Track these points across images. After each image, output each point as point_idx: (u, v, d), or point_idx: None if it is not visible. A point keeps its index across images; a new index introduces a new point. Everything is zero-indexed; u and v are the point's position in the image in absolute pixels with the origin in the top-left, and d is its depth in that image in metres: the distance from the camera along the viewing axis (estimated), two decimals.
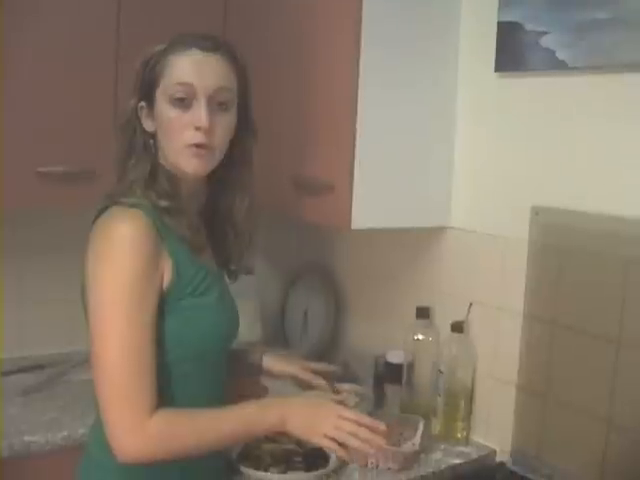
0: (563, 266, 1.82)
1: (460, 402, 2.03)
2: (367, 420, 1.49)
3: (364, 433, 1.47)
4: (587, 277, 1.77)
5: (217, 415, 1.49)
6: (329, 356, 2.49)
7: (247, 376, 1.85)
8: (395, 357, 2.16)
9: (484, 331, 2.01)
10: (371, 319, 2.39)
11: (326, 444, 1.48)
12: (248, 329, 2.55)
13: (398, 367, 2.14)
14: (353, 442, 1.46)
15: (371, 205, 1.94)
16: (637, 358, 1.68)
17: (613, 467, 1.75)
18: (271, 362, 1.83)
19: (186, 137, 1.48)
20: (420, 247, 2.20)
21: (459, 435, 2.05)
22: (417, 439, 1.86)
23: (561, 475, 1.83)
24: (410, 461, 1.86)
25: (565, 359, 1.83)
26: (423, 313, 2.11)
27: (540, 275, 1.87)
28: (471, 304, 2.03)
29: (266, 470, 1.77)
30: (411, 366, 2.11)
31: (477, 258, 2.03)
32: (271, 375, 1.83)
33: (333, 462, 1.79)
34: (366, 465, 1.81)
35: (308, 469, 1.78)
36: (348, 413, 1.50)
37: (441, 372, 2.02)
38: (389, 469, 1.83)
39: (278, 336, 2.70)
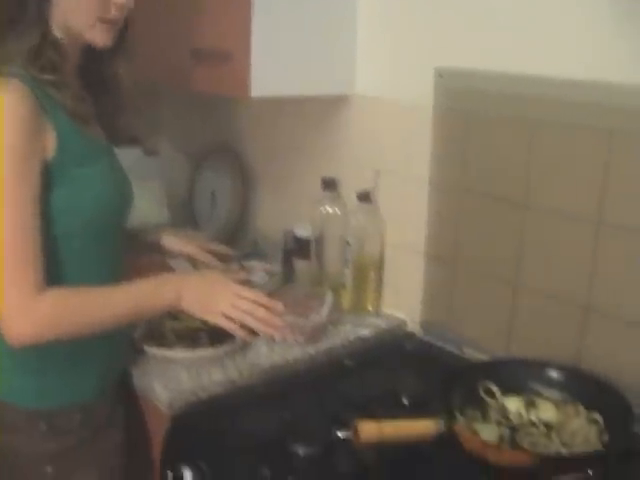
0: (468, 130, 1.76)
1: (369, 273, 1.99)
2: (265, 299, 1.45)
3: (261, 312, 1.43)
4: (493, 141, 1.72)
5: (111, 292, 1.42)
6: (239, 235, 2.44)
7: (146, 255, 1.77)
8: (303, 231, 2.10)
9: (391, 200, 1.96)
10: (279, 195, 2.32)
11: (223, 323, 1.44)
12: (155, 212, 2.47)
13: (306, 241, 2.08)
14: (250, 321, 1.42)
15: (270, 72, 1.84)
16: (543, 221, 1.65)
17: (520, 332, 1.74)
18: (171, 241, 1.77)
19: (104, 11, 1.40)
20: (324, 117, 2.11)
21: (369, 307, 2.02)
22: (324, 311, 1.82)
23: (470, 343, 1.82)
24: (317, 333, 1.82)
25: (472, 225, 1.79)
26: (329, 184, 2.04)
27: (445, 140, 1.81)
28: (377, 173, 1.96)
29: (170, 348, 1.71)
30: (320, 239, 2.06)
31: (382, 126, 1.96)
32: (171, 255, 1.77)
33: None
34: (273, 339, 1.76)
35: (214, 345, 1.73)
36: (246, 292, 1.45)
37: (349, 244, 1.97)
38: (296, 342, 1.78)
39: (187, 218, 2.62)
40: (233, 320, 1.43)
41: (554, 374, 1.60)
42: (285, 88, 1.91)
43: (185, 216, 2.62)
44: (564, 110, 1.58)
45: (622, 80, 1.47)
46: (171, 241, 1.77)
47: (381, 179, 1.96)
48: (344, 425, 1.35)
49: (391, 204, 1.96)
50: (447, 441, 1.37)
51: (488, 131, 1.73)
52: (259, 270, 2.11)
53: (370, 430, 1.32)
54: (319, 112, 2.11)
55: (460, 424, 1.43)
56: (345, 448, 1.36)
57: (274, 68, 1.85)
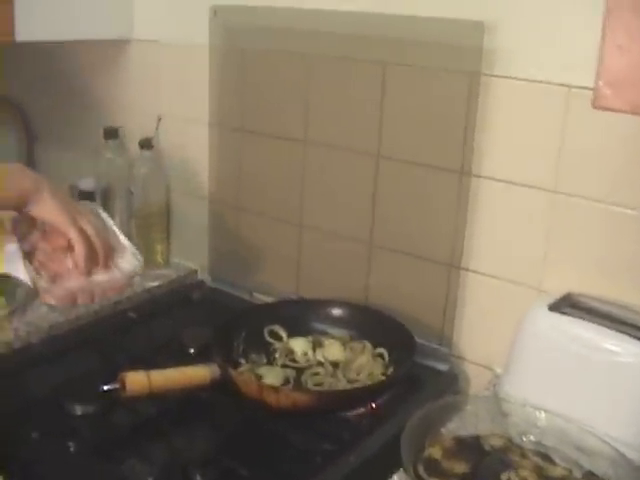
0: (245, 68, 1.61)
1: (155, 223, 1.81)
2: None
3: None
4: (270, 77, 1.58)
5: None
6: None
7: None
8: (87, 184, 1.88)
9: (173, 145, 1.78)
10: (62, 148, 2.08)
11: (76, 235, 1.21)
12: None
13: (91, 194, 1.87)
14: (98, 246, 1.25)
15: (38, 15, 1.60)
16: (320, 156, 1.53)
17: (308, 273, 1.62)
18: None
19: None
20: (103, 63, 1.90)
21: (159, 259, 1.84)
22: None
23: (260, 287, 1.69)
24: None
25: (255, 166, 1.65)
26: (111, 133, 1.83)
27: (222, 80, 1.65)
28: (159, 119, 1.77)
29: None
30: (105, 191, 1.85)
31: (162, 70, 1.77)
32: None
33: None
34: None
35: None
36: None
37: (132, 193, 1.77)
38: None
39: None
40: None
41: (340, 313, 1.50)
42: (55, 32, 1.67)
43: None
44: (339, 43, 1.45)
45: (395, 12, 1.36)
46: None
47: (163, 124, 1.77)
48: (112, 379, 1.17)
49: (174, 150, 1.79)
50: (225, 387, 1.23)
51: (265, 68, 1.58)
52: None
53: (137, 381, 1.16)
54: (98, 58, 1.89)
55: (241, 369, 1.29)
56: (118, 402, 1.19)
57: (41, 10, 1.62)
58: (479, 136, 1.33)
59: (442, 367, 1.44)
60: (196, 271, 1.81)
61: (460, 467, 1.09)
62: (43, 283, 1.33)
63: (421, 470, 1.07)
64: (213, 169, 1.71)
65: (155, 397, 1.19)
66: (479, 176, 1.35)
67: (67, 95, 2.01)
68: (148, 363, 1.30)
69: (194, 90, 1.69)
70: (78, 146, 2.00)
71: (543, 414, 1.15)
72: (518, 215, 1.33)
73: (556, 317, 1.17)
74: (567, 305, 1.22)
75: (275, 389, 1.21)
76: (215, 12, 1.61)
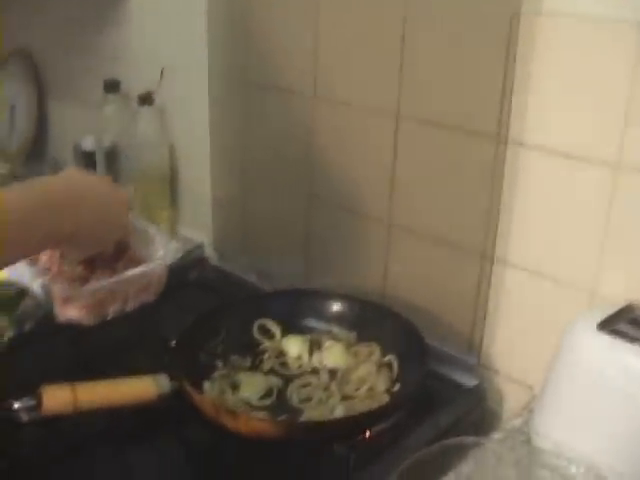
0: (250, 14, 1.32)
1: (157, 190, 1.56)
2: None
3: None
4: (276, 26, 1.28)
5: None
6: (39, 151, 1.96)
7: None
8: (88, 143, 1.64)
9: (176, 100, 1.51)
10: (68, 103, 1.84)
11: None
12: None
13: (91, 155, 1.63)
14: None
15: None
16: (332, 114, 1.23)
17: (317, 254, 1.33)
18: None
19: None
20: (105, 11, 1.62)
21: (164, 227, 1.57)
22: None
23: (267, 270, 1.41)
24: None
25: (261, 120, 1.35)
26: (112, 86, 1.59)
27: (225, 27, 1.36)
28: (162, 71, 1.50)
29: None
30: (108, 152, 1.60)
31: (162, 19, 1.49)
32: None
33: None
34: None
35: None
36: None
37: (128, 157, 1.52)
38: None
39: None
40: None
41: (346, 308, 1.21)
42: None
43: None
44: None
45: None
46: None
47: (166, 78, 1.49)
48: (30, 392, 0.92)
49: (176, 105, 1.51)
50: (181, 404, 0.96)
51: (271, 14, 1.28)
52: None
53: (59, 397, 0.91)
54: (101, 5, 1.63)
55: (215, 375, 1.03)
56: (32, 423, 0.93)
57: None
58: (519, 90, 1.00)
59: (468, 381, 1.13)
60: (201, 246, 1.54)
61: None
62: (59, 290, 1.09)
63: None
64: (216, 126, 1.42)
65: (83, 416, 0.93)
66: (519, 143, 1.03)
67: (78, 47, 1.76)
68: (107, 365, 1.06)
69: (196, 42, 1.41)
70: (81, 101, 1.75)
71: (580, 468, 0.83)
72: (569, 195, 1.00)
73: (606, 340, 0.85)
74: (625, 321, 0.90)
75: (233, 414, 0.93)
76: None
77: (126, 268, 1.12)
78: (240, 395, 1.05)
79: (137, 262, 1.14)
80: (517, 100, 1.01)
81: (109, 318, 1.10)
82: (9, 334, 1.16)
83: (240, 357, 1.14)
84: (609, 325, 0.88)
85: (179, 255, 1.29)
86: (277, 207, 1.38)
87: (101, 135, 1.61)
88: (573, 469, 0.84)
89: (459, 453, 0.90)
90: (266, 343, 1.17)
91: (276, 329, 1.19)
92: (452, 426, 1.05)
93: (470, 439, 0.90)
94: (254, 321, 1.18)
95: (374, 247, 1.23)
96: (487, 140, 1.04)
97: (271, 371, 1.12)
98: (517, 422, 1.02)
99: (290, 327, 1.18)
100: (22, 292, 1.19)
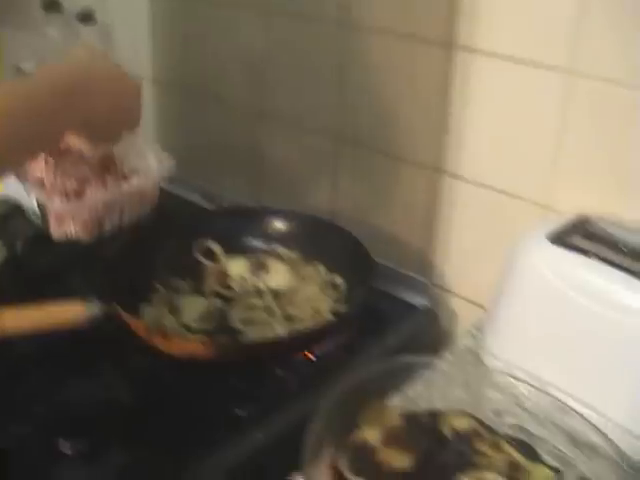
0: None
1: None
2: None
3: None
4: None
5: None
6: None
7: None
8: (28, 65, 1.54)
9: (117, 17, 1.40)
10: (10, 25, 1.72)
11: None
12: None
13: None
14: None
15: None
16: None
17: (266, 172, 1.26)
18: None
19: None
20: None
21: None
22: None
23: (218, 191, 1.33)
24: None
25: (201, 38, 1.27)
26: (52, 5, 1.47)
27: None
28: None
29: None
30: None
31: None
32: None
33: None
34: None
35: None
36: None
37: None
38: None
39: None
40: None
41: (291, 226, 1.15)
42: None
43: None
44: None
45: None
46: None
47: None
48: None
49: (119, 23, 1.41)
50: (112, 328, 0.90)
51: None
52: None
53: None
54: None
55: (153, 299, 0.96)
56: None
57: None
58: None
59: (420, 301, 1.09)
60: None
61: (402, 460, 0.75)
62: (56, 205, 1.04)
63: (343, 462, 0.73)
64: (157, 45, 1.33)
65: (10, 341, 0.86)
66: (471, 50, 0.96)
67: None
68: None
69: None
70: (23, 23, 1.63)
71: (530, 388, 0.79)
72: (521, 104, 0.94)
73: (558, 252, 0.80)
74: (579, 233, 0.85)
75: (165, 336, 0.87)
76: None
77: (116, 182, 1.11)
78: (180, 319, 0.99)
79: (125, 176, 1.14)
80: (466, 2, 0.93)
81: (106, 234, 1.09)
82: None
83: (181, 279, 1.07)
84: (561, 238, 0.83)
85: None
86: (224, 127, 1.30)
87: (44, 57, 1.51)
88: (523, 389, 0.79)
89: (408, 375, 0.85)
90: (208, 264, 1.11)
91: (218, 249, 1.12)
92: (403, 348, 1.01)
93: (417, 359, 0.85)
94: (194, 241, 1.11)
95: (322, 163, 1.16)
96: (436, 47, 0.97)
97: (213, 293, 1.06)
98: (468, 342, 0.97)
99: (233, 247, 1.12)
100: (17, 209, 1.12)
